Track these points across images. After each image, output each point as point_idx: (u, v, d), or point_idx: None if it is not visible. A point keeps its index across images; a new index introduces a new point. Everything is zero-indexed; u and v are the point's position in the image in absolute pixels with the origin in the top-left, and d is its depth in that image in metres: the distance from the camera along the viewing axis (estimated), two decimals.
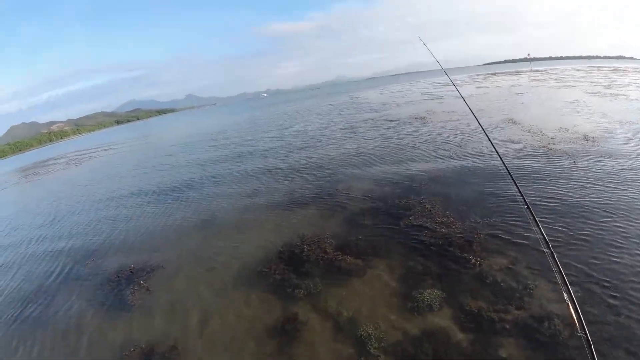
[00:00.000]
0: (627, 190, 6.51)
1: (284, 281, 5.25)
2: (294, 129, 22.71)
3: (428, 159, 10.29)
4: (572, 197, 6.53)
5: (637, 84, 23.96)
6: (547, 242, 2.69)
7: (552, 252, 2.59)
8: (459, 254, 5.13)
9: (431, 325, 4.04)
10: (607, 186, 6.80)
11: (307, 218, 7.40)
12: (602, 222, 5.50)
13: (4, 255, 9.31)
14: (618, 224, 5.38)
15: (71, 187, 17.46)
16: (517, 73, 56.44)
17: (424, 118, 17.93)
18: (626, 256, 4.59)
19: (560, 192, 6.81)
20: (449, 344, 3.78)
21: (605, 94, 19.91)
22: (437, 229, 5.90)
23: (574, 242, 5.08)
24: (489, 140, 4.41)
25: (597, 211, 5.85)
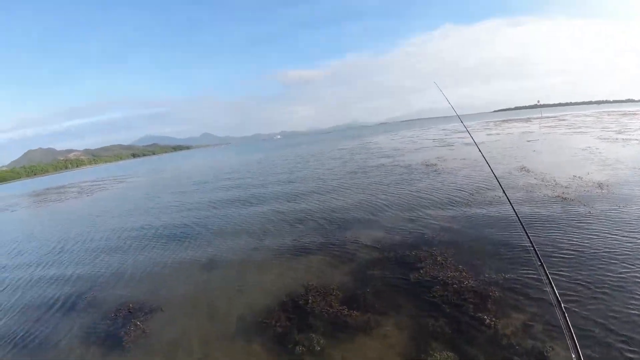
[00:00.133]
0: None
1: (284, 335, 4.96)
2: (306, 172, 22.98)
3: (440, 207, 10.11)
4: (589, 247, 6.27)
5: None
6: (558, 301, 2.53)
7: (563, 312, 2.42)
8: (473, 313, 4.80)
9: None
10: (624, 236, 6.55)
11: (314, 266, 7.17)
12: (621, 273, 5.27)
13: (11, 277, 9.53)
14: (637, 275, 5.16)
15: (81, 216, 17.76)
16: (528, 120, 56.98)
17: (435, 165, 17.94)
18: None
19: (576, 242, 6.56)
20: None
21: (617, 139, 19.91)
22: (450, 284, 5.59)
23: (594, 296, 4.81)
24: (502, 189, 4.37)
25: (615, 262, 5.60)
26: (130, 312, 6.34)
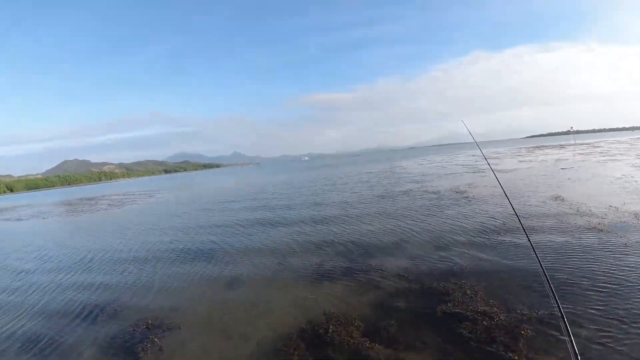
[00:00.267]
0: None
1: None
2: (332, 194, 22.88)
3: (469, 236, 9.65)
4: (628, 282, 5.82)
5: None
6: (576, 355, 2.29)
7: None
8: (503, 353, 4.43)
9: None
10: None
11: (336, 293, 6.93)
12: None
13: (40, 280, 10.03)
14: None
15: (112, 228, 18.39)
16: (562, 146, 54.81)
17: (465, 192, 17.37)
18: None
19: (613, 275, 6.13)
20: None
21: None
22: (479, 320, 5.21)
23: (631, 336, 4.42)
24: (523, 228, 4.11)
25: None
26: (148, 328, 6.34)
